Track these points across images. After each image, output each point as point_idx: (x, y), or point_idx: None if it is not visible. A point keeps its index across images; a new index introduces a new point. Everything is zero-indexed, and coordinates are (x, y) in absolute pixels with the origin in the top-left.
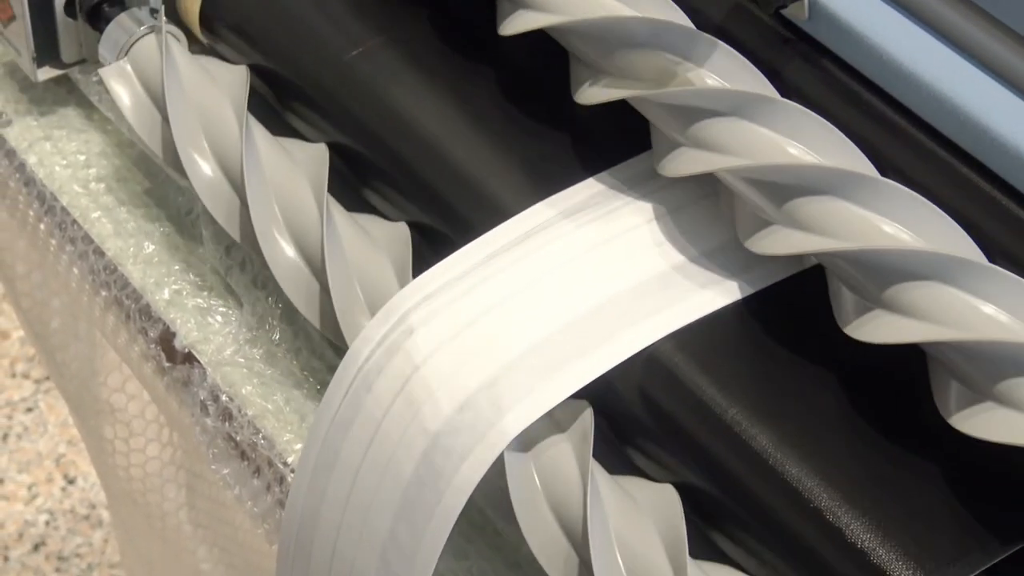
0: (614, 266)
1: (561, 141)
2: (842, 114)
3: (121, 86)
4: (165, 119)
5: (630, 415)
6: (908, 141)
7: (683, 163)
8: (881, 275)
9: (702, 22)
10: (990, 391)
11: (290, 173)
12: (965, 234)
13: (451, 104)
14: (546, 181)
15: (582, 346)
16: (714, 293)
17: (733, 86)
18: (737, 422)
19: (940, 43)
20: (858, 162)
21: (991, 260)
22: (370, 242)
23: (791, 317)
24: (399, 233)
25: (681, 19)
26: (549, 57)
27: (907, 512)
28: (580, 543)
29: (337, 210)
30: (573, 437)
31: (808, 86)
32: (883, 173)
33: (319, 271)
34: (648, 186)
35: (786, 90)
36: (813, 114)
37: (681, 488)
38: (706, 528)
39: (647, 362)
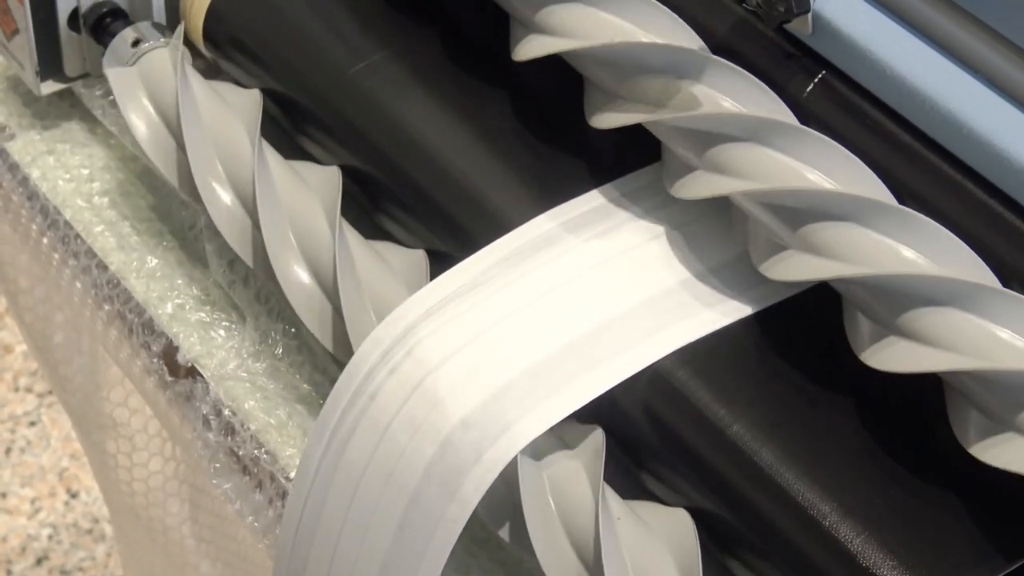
0: (621, 282)
1: (565, 154)
2: (845, 129)
3: (130, 100)
4: (180, 146)
5: (634, 430)
6: (911, 155)
7: (699, 186)
8: (897, 301)
9: (706, 37)
10: (1011, 421)
11: (301, 193)
12: (981, 261)
13: (454, 117)
14: (550, 193)
15: (588, 362)
16: (720, 311)
17: (750, 111)
18: (741, 438)
19: (943, 57)
20: (874, 188)
21: (1003, 282)
22: (385, 267)
23: (796, 334)
24: (416, 260)
25: (695, 43)
26: (553, 70)
27: (912, 529)
28: (593, 566)
29: (349, 231)
30: (585, 459)
31: (811, 100)
32: (887, 187)
33: (332, 293)
34: (653, 200)
35: (789, 104)
36: (831, 141)
37: (684, 501)
38: (710, 543)
39: (652, 378)
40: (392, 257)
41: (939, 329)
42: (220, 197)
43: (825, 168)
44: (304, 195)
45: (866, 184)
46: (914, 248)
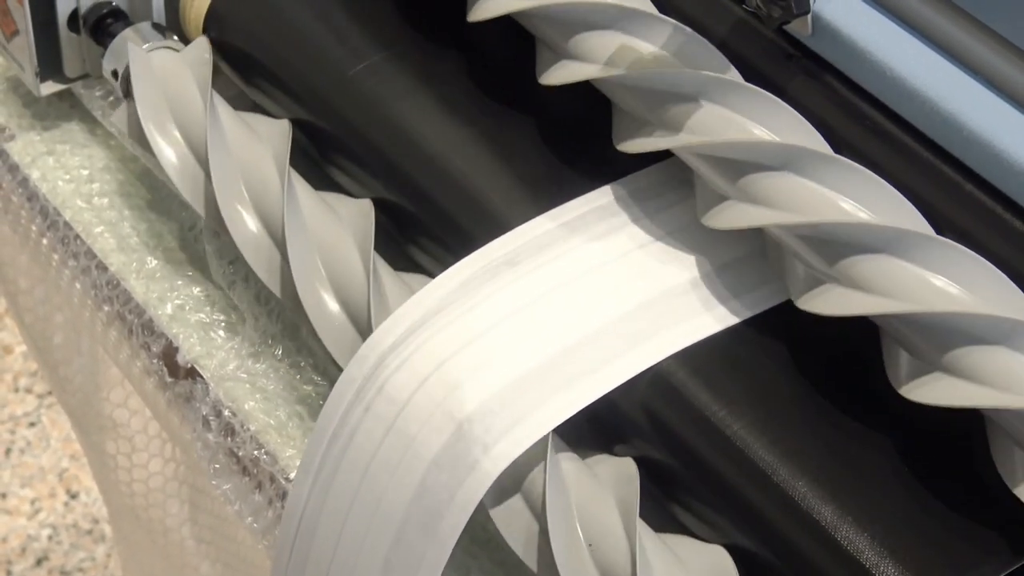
0: (620, 284)
1: (565, 155)
2: (843, 129)
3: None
4: (132, 102)
5: (632, 430)
6: (909, 155)
7: (644, 142)
8: (832, 248)
9: (705, 37)
10: (939, 361)
11: (252, 143)
12: (915, 209)
13: (454, 118)
14: (548, 195)
15: (586, 367)
16: (719, 313)
17: (694, 68)
18: (741, 438)
19: (943, 58)
20: (812, 138)
21: (937, 231)
22: (332, 215)
23: (797, 335)
24: (362, 209)
25: (648, 7)
26: None
27: (912, 527)
28: (540, 513)
29: (298, 180)
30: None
31: (811, 102)
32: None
33: (281, 242)
34: (653, 203)
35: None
36: (770, 94)
37: (686, 502)
38: (710, 540)
39: (652, 379)
40: (340, 206)
41: (873, 275)
42: (168, 151)
43: (764, 121)
44: (255, 145)
45: (805, 134)
46: (850, 197)
